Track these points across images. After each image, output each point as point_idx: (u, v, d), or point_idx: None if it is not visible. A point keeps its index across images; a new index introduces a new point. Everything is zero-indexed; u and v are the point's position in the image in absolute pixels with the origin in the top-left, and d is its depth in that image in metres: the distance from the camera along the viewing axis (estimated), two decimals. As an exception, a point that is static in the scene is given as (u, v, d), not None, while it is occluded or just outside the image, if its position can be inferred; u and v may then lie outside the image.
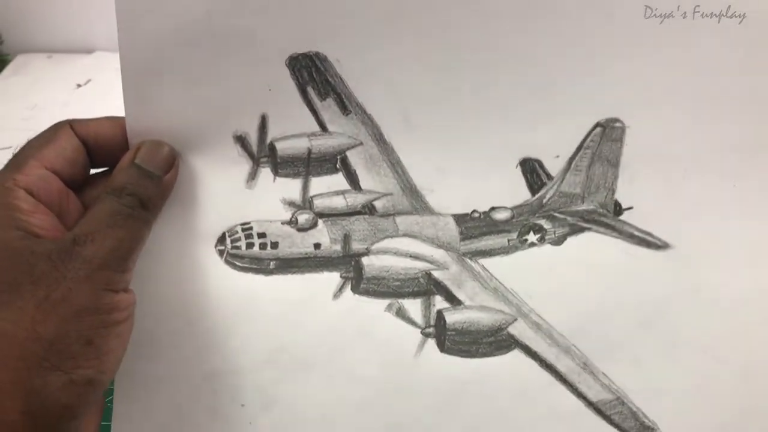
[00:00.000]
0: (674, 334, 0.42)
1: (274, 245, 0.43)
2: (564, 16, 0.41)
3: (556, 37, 0.41)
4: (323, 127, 0.43)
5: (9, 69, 1.04)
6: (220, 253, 0.42)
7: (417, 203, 0.43)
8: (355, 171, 0.43)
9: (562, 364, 0.42)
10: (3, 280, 0.35)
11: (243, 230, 0.42)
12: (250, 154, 0.43)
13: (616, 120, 0.43)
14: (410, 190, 0.43)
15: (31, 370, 0.34)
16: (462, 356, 0.42)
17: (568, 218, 0.44)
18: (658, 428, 0.42)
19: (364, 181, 0.43)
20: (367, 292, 0.42)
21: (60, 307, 0.35)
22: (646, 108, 0.42)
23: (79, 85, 0.94)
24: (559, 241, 0.44)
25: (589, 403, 0.42)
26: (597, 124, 0.43)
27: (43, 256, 0.36)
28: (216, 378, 0.41)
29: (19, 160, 0.39)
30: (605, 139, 0.43)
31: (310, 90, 0.42)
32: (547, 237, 0.44)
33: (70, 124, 0.41)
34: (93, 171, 0.43)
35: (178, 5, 0.39)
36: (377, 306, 0.42)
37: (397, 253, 0.43)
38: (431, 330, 0.42)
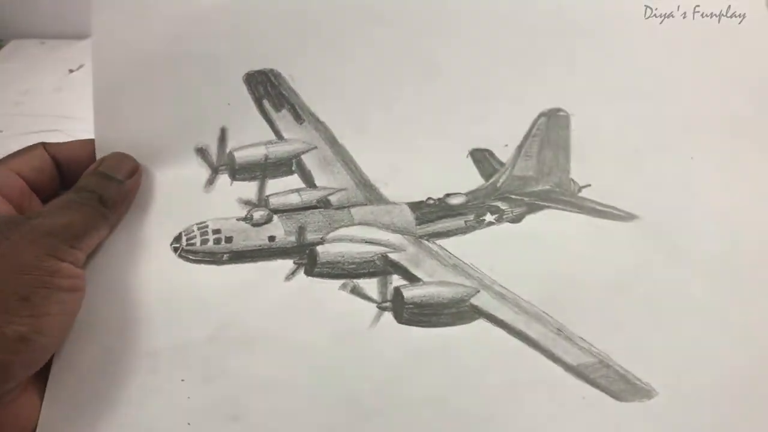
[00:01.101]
0: (655, 298, 0.40)
1: (229, 239, 0.43)
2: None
3: (493, 44, 0.46)
4: (279, 135, 0.46)
5: (1, 55, 1.04)
6: (175, 250, 0.42)
7: (371, 195, 0.44)
8: (309, 171, 0.45)
9: (534, 331, 0.38)
10: None
11: (198, 228, 0.43)
12: (210, 165, 0.45)
13: (559, 109, 0.45)
14: (364, 184, 0.45)
15: None
16: (421, 326, 0.39)
17: (525, 198, 0.44)
18: (654, 390, 0.37)
19: (319, 180, 0.45)
20: (321, 275, 0.41)
21: None
22: (591, 97, 0.45)
23: (71, 71, 0.94)
24: (517, 219, 0.43)
25: (569, 368, 0.38)
26: (540, 114, 0.45)
27: None
28: (157, 355, 0.38)
29: None
30: (551, 126, 0.45)
31: (265, 103, 0.46)
32: (504, 216, 0.43)
33: (43, 145, 0.45)
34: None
35: (147, 30, 0.46)
36: (331, 285, 0.41)
37: (353, 239, 0.43)
38: (388, 304, 0.40)
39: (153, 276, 0.41)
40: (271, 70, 0.46)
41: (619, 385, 0.38)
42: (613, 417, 0.36)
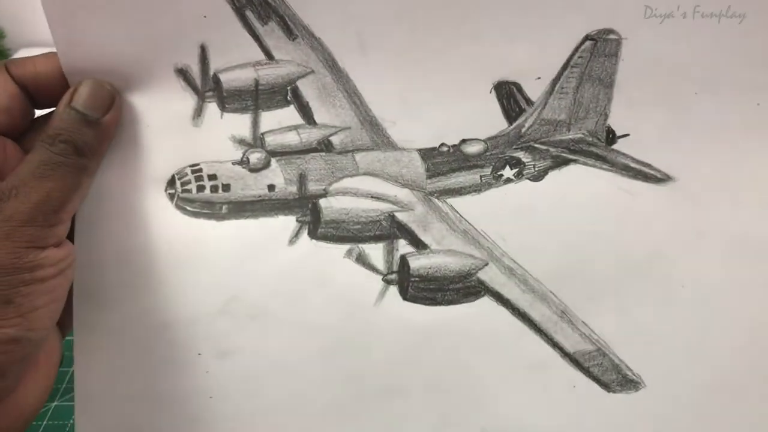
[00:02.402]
0: (669, 281, 0.39)
1: (226, 187, 0.41)
2: None
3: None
4: (269, 54, 0.39)
5: (10, 63, 1.06)
6: (170, 197, 0.41)
7: (378, 137, 0.40)
8: (307, 103, 0.40)
9: (537, 312, 0.39)
10: None
11: (193, 172, 0.41)
12: (194, 88, 0.40)
13: (610, 31, 0.37)
14: (370, 122, 0.40)
15: None
16: (426, 304, 0.40)
17: (551, 149, 0.39)
18: (642, 382, 0.40)
19: (319, 114, 0.40)
20: (325, 237, 0.40)
21: None
22: (646, 14, 0.36)
23: None
24: (539, 176, 0.40)
25: (566, 354, 0.40)
26: (586, 37, 0.37)
27: None
28: (171, 327, 0.41)
29: None
30: (596, 54, 0.37)
31: (249, 14, 0.38)
32: (525, 171, 0.40)
33: (6, 66, 0.40)
34: (40, 112, 0.43)
35: None
36: (336, 252, 0.40)
37: (358, 193, 0.40)
38: (393, 276, 0.40)
39: (153, 235, 0.40)
40: (252, -30, 0.37)
41: (610, 375, 0.40)
42: (601, 407, 0.39)
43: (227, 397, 0.40)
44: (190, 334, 0.41)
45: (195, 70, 0.40)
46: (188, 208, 0.41)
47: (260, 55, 0.39)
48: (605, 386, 0.40)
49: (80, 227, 0.41)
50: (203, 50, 0.39)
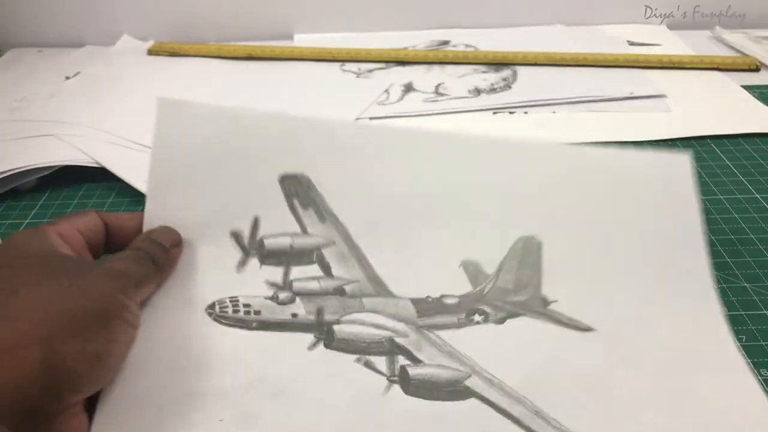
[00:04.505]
0: (602, 403, 0.48)
1: (257, 312, 0.50)
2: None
3: (481, 188, 0.58)
4: (304, 229, 0.55)
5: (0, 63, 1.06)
6: (209, 314, 0.49)
7: (380, 289, 0.53)
8: (328, 263, 0.54)
9: (516, 410, 0.47)
10: (41, 271, 0.43)
11: (231, 301, 0.50)
12: (243, 248, 0.53)
13: (533, 237, 0.56)
14: (374, 279, 0.54)
15: (53, 332, 0.39)
16: (425, 398, 0.47)
17: (507, 306, 0.53)
18: None
19: (336, 271, 0.54)
20: (338, 349, 0.49)
21: (81, 292, 0.42)
22: (556, 228, 0.57)
23: (67, 78, 0.95)
24: (500, 321, 0.53)
25: (544, 444, 0.46)
26: (518, 239, 0.56)
27: (72, 259, 0.46)
28: (199, 396, 0.44)
29: (53, 221, 0.48)
30: (526, 250, 0.56)
31: (295, 201, 0.55)
32: (489, 318, 0.53)
33: (95, 212, 0.52)
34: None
35: (197, 128, 0.54)
36: (348, 357, 0.49)
37: (364, 323, 0.51)
38: (396, 378, 0.48)
39: (192, 329, 0.48)
40: (302, 175, 0.56)
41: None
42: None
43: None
44: (216, 402, 0.45)
45: (245, 233, 0.53)
46: (223, 321, 0.49)
47: (297, 229, 0.54)
48: (579, 475, 0.45)
49: None
50: (256, 221, 0.54)
